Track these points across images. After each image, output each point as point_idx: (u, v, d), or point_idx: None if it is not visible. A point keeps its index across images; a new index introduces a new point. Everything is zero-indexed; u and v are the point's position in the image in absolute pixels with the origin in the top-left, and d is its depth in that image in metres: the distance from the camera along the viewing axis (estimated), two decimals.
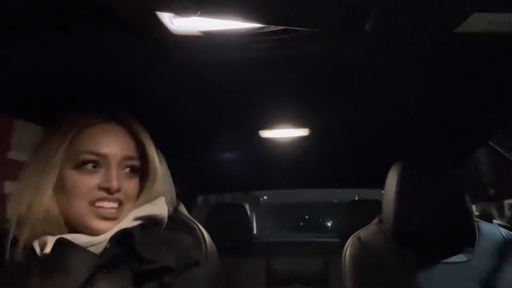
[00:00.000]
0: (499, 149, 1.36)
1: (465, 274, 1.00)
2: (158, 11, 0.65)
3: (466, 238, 1.06)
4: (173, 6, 0.57)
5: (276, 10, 0.61)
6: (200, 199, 2.42)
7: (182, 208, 1.05)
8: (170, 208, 0.99)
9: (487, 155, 1.45)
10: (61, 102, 1.04)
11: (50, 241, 0.63)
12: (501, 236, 1.08)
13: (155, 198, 0.77)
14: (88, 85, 0.95)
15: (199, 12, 0.59)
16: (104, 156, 0.68)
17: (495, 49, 0.79)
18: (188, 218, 1.02)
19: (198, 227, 0.99)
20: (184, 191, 0.92)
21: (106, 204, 0.67)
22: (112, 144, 0.70)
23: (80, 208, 0.66)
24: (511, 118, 1.19)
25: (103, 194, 0.67)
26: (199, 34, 0.74)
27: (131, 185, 0.72)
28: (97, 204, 0.66)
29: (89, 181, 0.67)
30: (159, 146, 0.87)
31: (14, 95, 0.98)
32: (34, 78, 0.89)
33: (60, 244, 0.63)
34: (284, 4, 0.60)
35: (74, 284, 0.60)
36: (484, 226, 1.11)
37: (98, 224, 0.66)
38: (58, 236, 0.64)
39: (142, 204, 0.75)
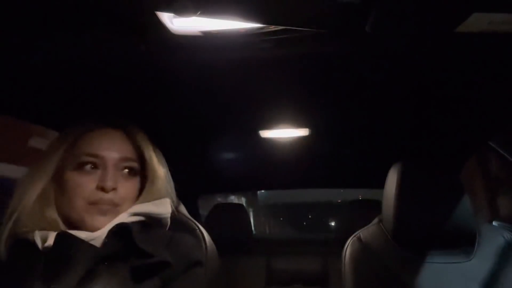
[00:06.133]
0: (499, 149, 1.36)
1: (464, 274, 1.00)
2: (158, 11, 0.65)
3: (466, 238, 1.06)
4: (173, 6, 0.57)
5: (276, 10, 0.61)
6: (200, 199, 2.42)
7: (182, 208, 1.05)
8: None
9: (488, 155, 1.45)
10: (61, 102, 1.04)
11: (52, 235, 0.66)
12: (502, 236, 1.08)
13: (156, 198, 0.78)
14: (87, 85, 0.95)
15: (199, 12, 0.59)
16: (102, 158, 0.74)
17: (495, 49, 0.79)
18: (188, 218, 1.02)
19: (198, 227, 0.99)
20: (184, 191, 0.92)
21: (102, 202, 0.71)
22: (109, 147, 0.75)
23: (80, 206, 0.71)
24: (511, 118, 1.19)
25: (100, 193, 0.71)
26: (199, 34, 0.74)
27: (128, 186, 0.76)
28: (95, 202, 0.71)
29: (88, 182, 0.72)
30: (159, 146, 0.87)
31: (13, 96, 0.98)
32: (33, 78, 0.89)
33: (62, 237, 0.66)
34: (284, 4, 0.60)
35: (76, 274, 0.62)
36: (484, 226, 1.11)
37: (95, 220, 0.71)
38: (60, 231, 0.67)
39: (142, 203, 0.77)
